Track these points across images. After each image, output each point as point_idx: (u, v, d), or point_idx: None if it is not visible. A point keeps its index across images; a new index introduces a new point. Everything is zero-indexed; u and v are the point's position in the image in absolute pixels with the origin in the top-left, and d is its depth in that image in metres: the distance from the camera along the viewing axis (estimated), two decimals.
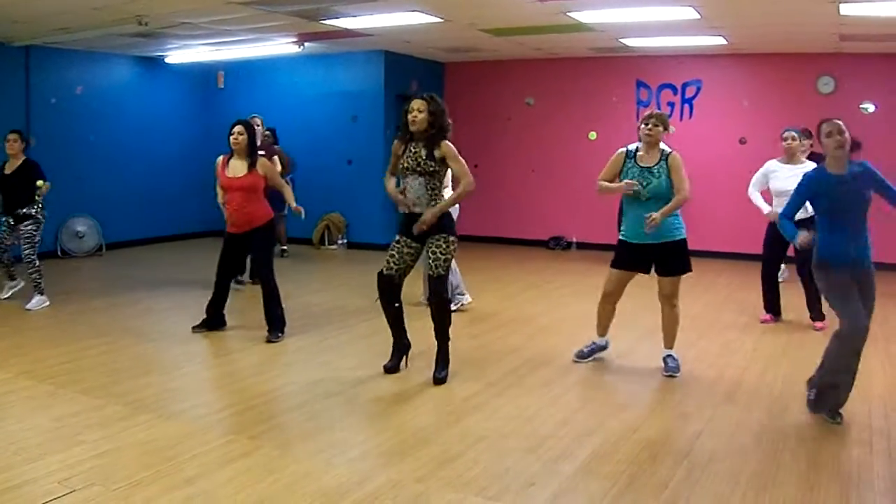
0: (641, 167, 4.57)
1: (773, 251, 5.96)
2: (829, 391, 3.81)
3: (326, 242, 10.43)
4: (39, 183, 6.19)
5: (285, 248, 9.46)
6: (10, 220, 6.28)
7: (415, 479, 3.15)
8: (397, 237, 4.52)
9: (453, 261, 6.19)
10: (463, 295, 6.42)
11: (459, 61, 10.73)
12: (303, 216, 5.50)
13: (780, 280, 6.24)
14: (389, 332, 4.68)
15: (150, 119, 10.34)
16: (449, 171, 4.60)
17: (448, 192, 4.99)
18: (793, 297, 6.17)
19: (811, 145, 5.97)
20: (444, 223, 4.42)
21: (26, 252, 6.22)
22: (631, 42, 8.59)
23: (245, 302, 6.53)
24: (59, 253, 9.11)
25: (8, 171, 6.25)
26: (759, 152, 8.73)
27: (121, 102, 9.93)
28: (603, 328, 4.95)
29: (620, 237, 4.74)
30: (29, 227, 6.24)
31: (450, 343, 4.58)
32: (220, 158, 5.48)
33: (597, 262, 8.09)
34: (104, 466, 3.21)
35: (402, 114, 4.40)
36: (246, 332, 5.64)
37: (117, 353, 5.08)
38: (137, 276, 8.06)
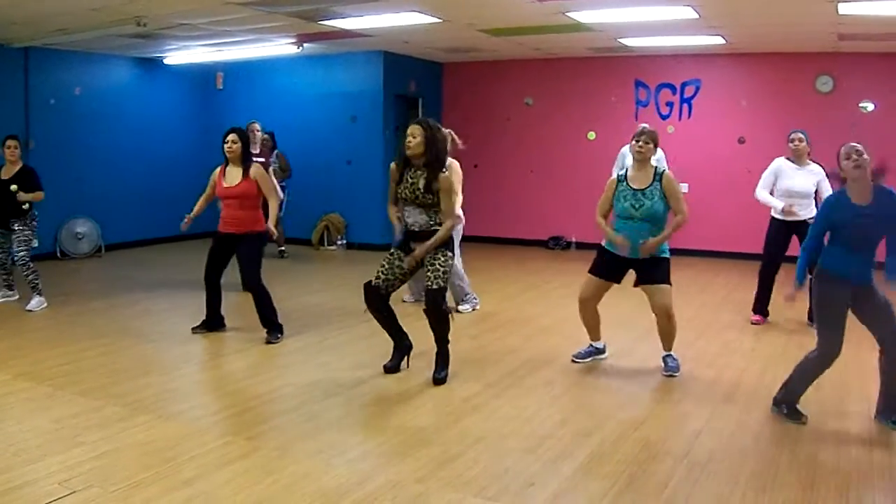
0: (634, 189, 4.53)
1: (773, 252, 5.95)
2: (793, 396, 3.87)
3: (326, 243, 10.43)
4: (14, 187, 6.11)
5: (283, 248, 9.46)
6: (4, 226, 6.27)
7: (414, 480, 3.15)
8: (392, 250, 4.53)
9: (461, 265, 6.27)
10: (475, 298, 6.51)
11: (458, 61, 10.73)
12: (274, 237, 5.49)
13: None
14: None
15: (149, 120, 10.34)
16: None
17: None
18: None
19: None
20: (444, 241, 4.43)
21: (20, 255, 6.21)
22: (630, 42, 8.59)
23: (245, 303, 6.51)
24: (58, 254, 9.10)
25: (5, 176, 6.23)
26: (758, 152, 8.76)
27: (120, 103, 9.93)
28: (594, 332, 4.92)
29: (604, 245, 4.69)
30: (22, 230, 6.22)
31: (449, 344, 4.58)
32: (218, 170, 5.46)
33: None
34: (103, 468, 3.21)
35: (402, 138, 4.43)
36: (245, 333, 5.64)
37: (116, 354, 5.08)
38: (136, 277, 8.06)
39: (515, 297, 7.14)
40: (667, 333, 4.67)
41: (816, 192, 5.74)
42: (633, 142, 4.56)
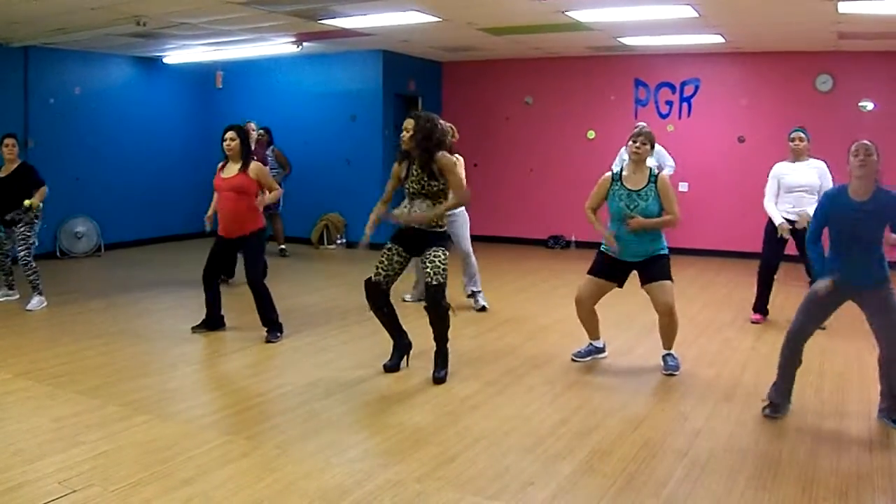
0: (629, 190, 4.54)
1: (772, 251, 5.95)
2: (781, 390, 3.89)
3: (325, 242, 10.43)
4: (27, 202, 6.11)
5: (284, 246, 9.46)
6: (4, 224, 6.27)
7: (414, 479, 3.15)
8: (389, 244, 4.54)
9: (476, 263, 6.30)
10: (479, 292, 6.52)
11: (458, 60, 10.72)
12: (264, 204, 5.42)
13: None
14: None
15: (148, 119, 10.33)
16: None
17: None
18: (792, 297, 6.16)
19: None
20: (441, 236, 4.45)
21: (22, 254, 6.21)
22: (629, 41, 8.59)
23: (244, 303, 6.51)
24: (57, 253, 9.10)
25: (3, 174, 6.24)
26: (758, 151, 8.77)
27: (119, 103, 9.92)
28: (593, 332, 4.91)
29: (602, 248, 4.70)
30: (22, 229, 6.22)
31: (449, 343, 4.58)
32: (219, 166, 5.52)
33: None
34: (103, 467, 3.21)
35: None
36: (245, 332, 5.64)
37: (116, 353, 5.08)
38: (136, 276, 8.06)
39: (515, 296, 7.14)
40: (668, 332, 4.67)
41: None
42: (630, 142, 4.56)
